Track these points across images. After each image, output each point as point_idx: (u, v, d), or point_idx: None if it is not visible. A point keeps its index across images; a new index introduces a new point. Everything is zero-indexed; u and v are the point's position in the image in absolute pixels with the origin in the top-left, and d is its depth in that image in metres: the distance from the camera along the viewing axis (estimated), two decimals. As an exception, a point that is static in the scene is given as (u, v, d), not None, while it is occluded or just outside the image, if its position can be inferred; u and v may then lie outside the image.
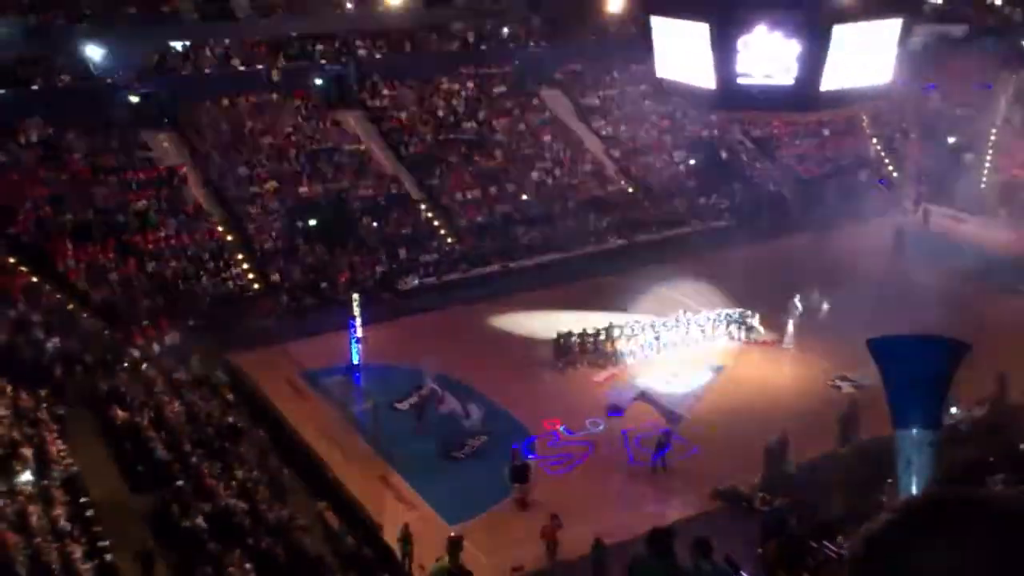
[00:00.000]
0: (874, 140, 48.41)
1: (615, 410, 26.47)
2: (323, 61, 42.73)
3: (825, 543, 18.97)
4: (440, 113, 43.44)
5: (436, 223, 38.71)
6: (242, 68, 41.51)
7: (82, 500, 21.51)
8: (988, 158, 45.67)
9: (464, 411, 26.01)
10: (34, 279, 31.22)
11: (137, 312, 31.04)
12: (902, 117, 48.50)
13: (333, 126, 41.17)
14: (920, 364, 3.01)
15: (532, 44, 47.60)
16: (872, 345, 3.14)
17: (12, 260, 31.71)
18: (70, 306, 30.62)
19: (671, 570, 7.91)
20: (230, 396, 27.07)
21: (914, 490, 2.98)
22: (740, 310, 30.99)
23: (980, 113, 47.27)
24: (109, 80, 38.53)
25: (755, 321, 30.81)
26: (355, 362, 29.38)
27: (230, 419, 25.05)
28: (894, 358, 3.11)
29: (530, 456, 23.81)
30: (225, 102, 40.33)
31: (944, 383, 3.11)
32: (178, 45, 40.69)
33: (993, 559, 1.38)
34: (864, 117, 47.29)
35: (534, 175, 41.72)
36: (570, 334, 29.62)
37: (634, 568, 8.16)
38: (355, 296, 30.16)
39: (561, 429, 25.44)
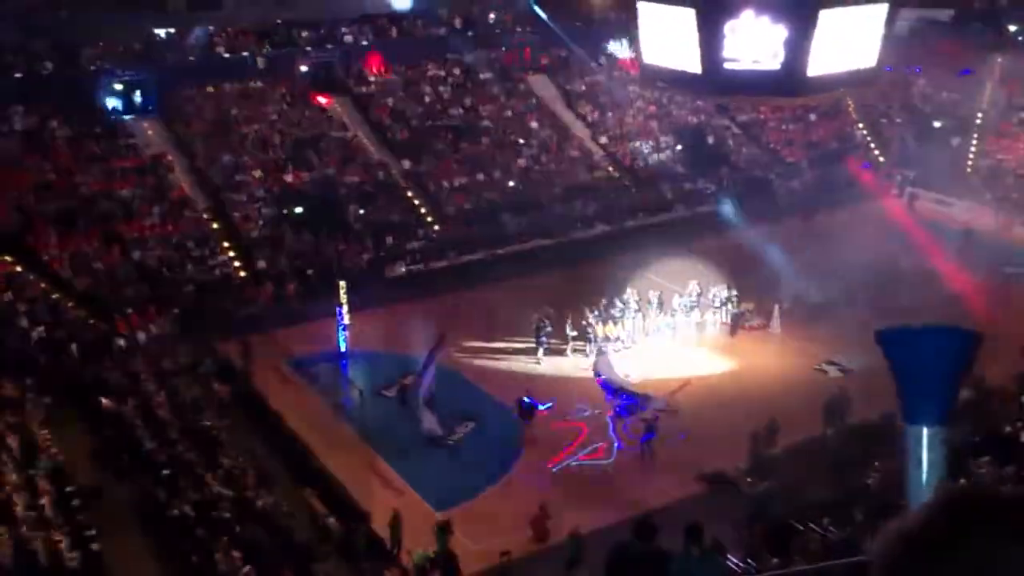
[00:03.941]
0: (860, 125, 48.47)
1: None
2: (308, 48, 42.51)
3: (811, 525, 19.07)
4: (427, 99, 43.29)
5: (423, 210, 38.60)
6: (227, 55, 41.25)
7: (67, 489, 21.44)
8: (974, 142, 45.78)
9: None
10: (18, 268, 31.02)
11: (122, 301, 30.86)
12: (888, 102, 48.57)
13: (319, 113, 40.97)
14: (933, 357, 2.87)
15: (518, 30, 47.44)
16: (881, 336, 2.97)
17: (-5, 249, 31.53)
18: (55, 295, 30.44)
19: (655, 555, 7.91)
20: (216, 384, 27.01)
21: (925, 489, 2.88)
22: (727, 295, 31.01)
23: (966, 97, 47.35)
24: (93, 67, 38.30)
25: (742, 306, 30.85)
26: (342, 349, 29.34)
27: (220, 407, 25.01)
28: (905, 350, 2.95)
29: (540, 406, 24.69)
30: (210, 89, 40.12)
31: (958, 377, 2.97)
32: (162, 32, 40.38)
33: None
34: (850, 102, 47.31)
35: (520, 161, 41.64)
36: (557, 320, 29.59)
37: (617, 554, 8.15)
38: (341, 283, 30.08)
39: (525, 399, 25.28)
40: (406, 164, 39.82)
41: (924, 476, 2.93)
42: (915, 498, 2.91)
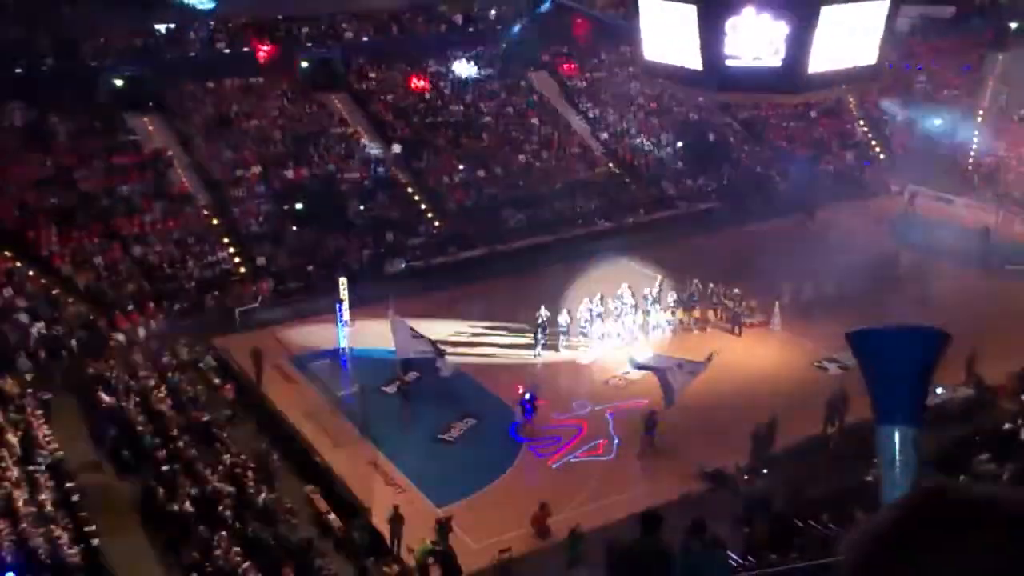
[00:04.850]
0: (860, 122, 48.45)
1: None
2: (309, 44, 42.47)
3: (811, 522, 19.08)
4: (427, 96, 43.25)
5: (423, 206, 38.60)
6: (227, 51, 41.21)
7: (68, 485, 21.45)
8: (975, 139, 45.75)
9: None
10: (18, 264, 31.01)
11: (122, 297, 30.87)
12: (889, 99, 48.52)
13: (319, 109, 40.95)
14: (903, 357, 2.86)
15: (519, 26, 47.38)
16: (851, 339, 2.97)
17: (-4, 245, 31.54)
18: (55, 291, 30.44)
19: (658, 550, 7.92)
20: (216, 380, 27.03)
21: (899, 490, 2.87)
22: (727, 291, 30.98)
23: (967, 94, 47.34)
24: (94, 63, 38.27)
25: (743, 304, 30.79)
26: (342, 346, 29.33)
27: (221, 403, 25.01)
28: (875, 352, 2.95)
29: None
30: (210, 85, 40.08)
31: (927, 376, 2.96)
32: (163, 27, 40.34)
33: (1011, 558, 1.35)
34: (851, 99, 47.29)
35: (521, 158, 41.61)
36: (557, 316, 29.60)
37: (620, 551, 8.17)
38: (342, 280, 30.07)
39: (527, 395, 25.22)
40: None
41: (897, 477, 2.92)
42: (889, 497, 2.90)
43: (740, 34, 20.85)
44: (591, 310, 29.71)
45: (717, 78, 21.98)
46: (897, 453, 2.82)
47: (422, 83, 43.39)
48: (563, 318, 29.42)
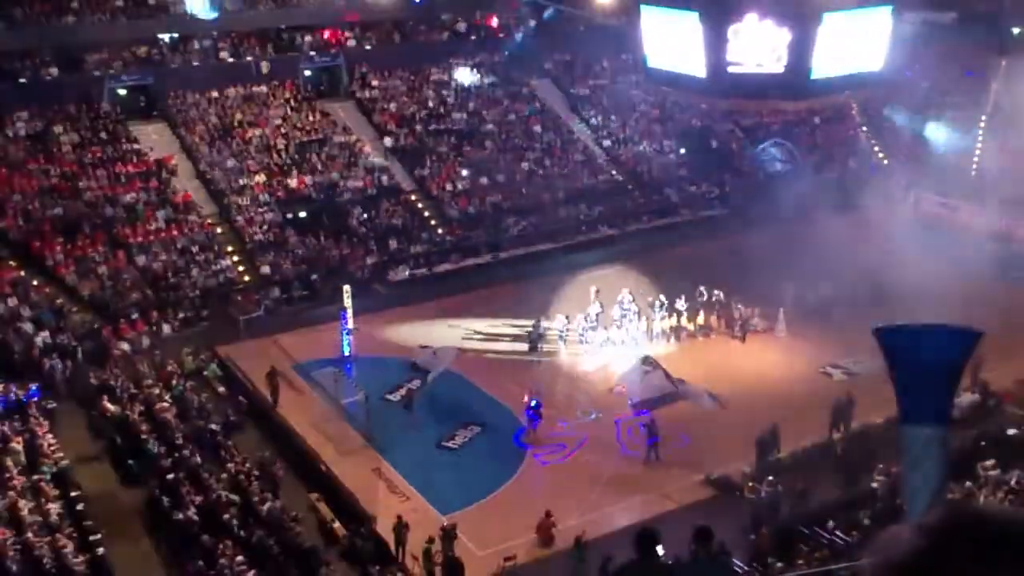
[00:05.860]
0: (863, 128, 48.42)
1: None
2: (312, 52, 42.55)
3: (817, 529, 19.06)
4: (430, 104, 43.30)
5: (426, 214, 38.62)
6: (230, 60, 41.29)
7: (73, 494, 21.45)
8: (978, 145, 45.68)
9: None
10: (22, 273, 31.05)
11: (126, 305, 30.91)
12: (892, 104, 48.46)
13: (322, 117, 41.01)
14: (931, 354, 2.82)
15: (522, 34, 47.43)
16: (880, 335, 2.93)
17: (0, 254, 31.55)
18: (59, 300, 30.46)
19: (655, 571, 7.87)
20: (221, 389, 27.04)
21: (922, 496, 2.84)
22: (731, 298, 30.95)
23: (970, 100, 47.26)
24: (97, 72, 38.37)
25: (747, 311, 30.75)
26: (346, 354, 29.31)
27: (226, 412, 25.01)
28: (904, 349, 2.91)
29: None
30: (214, 94, 40.15)
31: (956, 375, 2.93)
32: (166, 37, 40.43)
33: None
34: (854, 105, 47.26)
35: (524, 165, 41.63)
36: (559, 323, 29.61)
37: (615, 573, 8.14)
38: (346, 287, 30.07)
39: (533, 403, 25.17)
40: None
41: (921, 477, 2.88)
42: (912, 500, 2.87)
43: (742, 41, 20.89)
44: (594, 317, 29.71)
45: (720, 85, 22.03)
46: (921, 454, 2.76)
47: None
48: (563, 325, 29.45)
